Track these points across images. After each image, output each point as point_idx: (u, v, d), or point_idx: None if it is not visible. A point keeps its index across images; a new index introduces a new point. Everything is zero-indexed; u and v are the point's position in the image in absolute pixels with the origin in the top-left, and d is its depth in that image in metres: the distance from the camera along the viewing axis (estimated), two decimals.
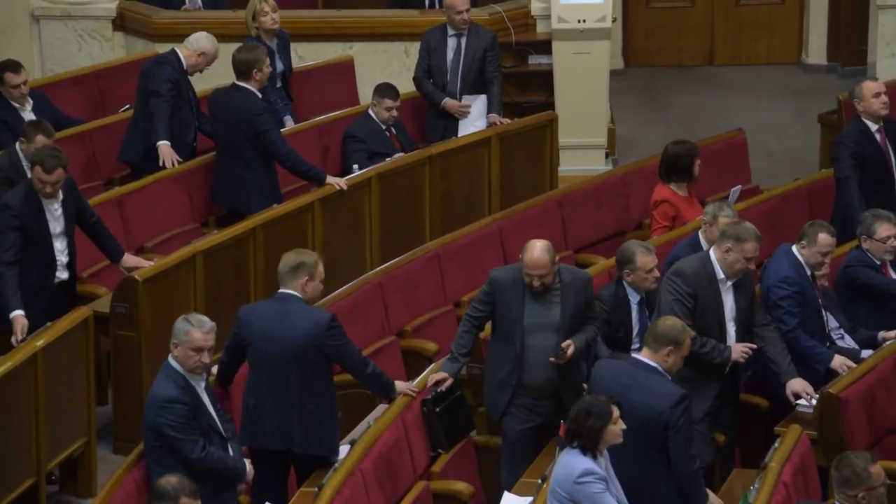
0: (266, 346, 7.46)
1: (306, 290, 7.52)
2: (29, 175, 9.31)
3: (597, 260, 9.76)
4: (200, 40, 10.23)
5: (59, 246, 8.59)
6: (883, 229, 8.60)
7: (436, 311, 9.27)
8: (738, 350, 7.88)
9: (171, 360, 7.15)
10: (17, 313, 8.22)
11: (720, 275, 7.86)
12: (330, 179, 9.81)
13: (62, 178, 8.50)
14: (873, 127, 9.81)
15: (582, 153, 11.76)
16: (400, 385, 7.78)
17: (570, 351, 7.74)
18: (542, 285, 7.76)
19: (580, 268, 9.63)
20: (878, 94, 9.77)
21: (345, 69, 11.73)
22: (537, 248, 7.73)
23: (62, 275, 8.64)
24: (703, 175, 9.60)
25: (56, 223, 8.56)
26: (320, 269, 7.59)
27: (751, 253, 7.85)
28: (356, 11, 12.82)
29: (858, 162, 9.69)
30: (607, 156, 11.99)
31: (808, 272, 8.28)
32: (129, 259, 8.87)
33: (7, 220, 8.36)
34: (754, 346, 7.93)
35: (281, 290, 7.55)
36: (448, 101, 10.93)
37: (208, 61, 10.24)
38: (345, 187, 9.80)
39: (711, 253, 7.92)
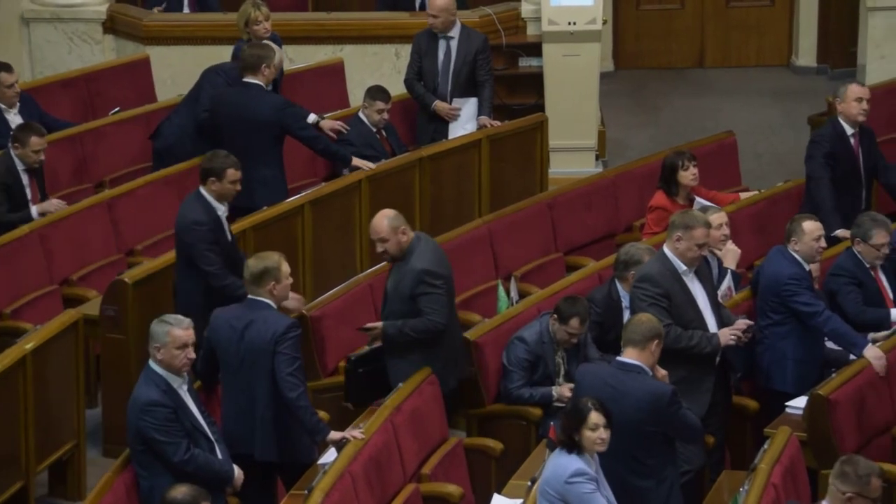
0: (230, 351, 7.45)
1: (275, 293, 7.50)
2: (24, 180, 9.35)
3: (587, 262, 9.76)
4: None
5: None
6: (880, 236, 8.61)
7: None
8: (726, 334, 7.89)
9: (151, 363, 7.14)
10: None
11: (681, 267, 7.88)
12: (356, 161, 9.99)
13: None
14: (849, 130, 9.84)
15: (572, 155, 11.76)
16: (334, 434, 7.36)
17: (372, 332, 8.04)
18: (386, 252, 8.08)
19: (571, 270, 9.70)
20: (860, 100, 9.77)
21: (335, 72, 11.73)
22: (379, 214, 8.14)
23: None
24: None
25: (228, 229, 8.61)
26: (284, 267, 7.54)
27: (701, 240, 7.87)
28: (346, 14, 12.82)
29: (831, 163, 9.72)
30: (597, 158, 12.00)
31: (807, 268, 8.33)
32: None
33: (205, 235, 8.31)
34: (741, 328, 7.92)
35: (250, 297, 7.54)
36: (438, 104, 10.93)
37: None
38: (373, 167, 9.93)
39: (665, 248, 7.94)
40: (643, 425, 7.04)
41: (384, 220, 8.05)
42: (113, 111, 10.96)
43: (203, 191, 8.42)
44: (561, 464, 6.70)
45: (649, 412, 7.04)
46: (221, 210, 8.44)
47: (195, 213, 8.36)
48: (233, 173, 8.43)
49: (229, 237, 8.53)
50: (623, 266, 8.36)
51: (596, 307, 8.38)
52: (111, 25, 12.35)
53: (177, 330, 7.09)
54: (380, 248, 8.08)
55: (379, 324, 8.06)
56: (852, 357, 8.23)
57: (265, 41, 10.24)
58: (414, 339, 7.99)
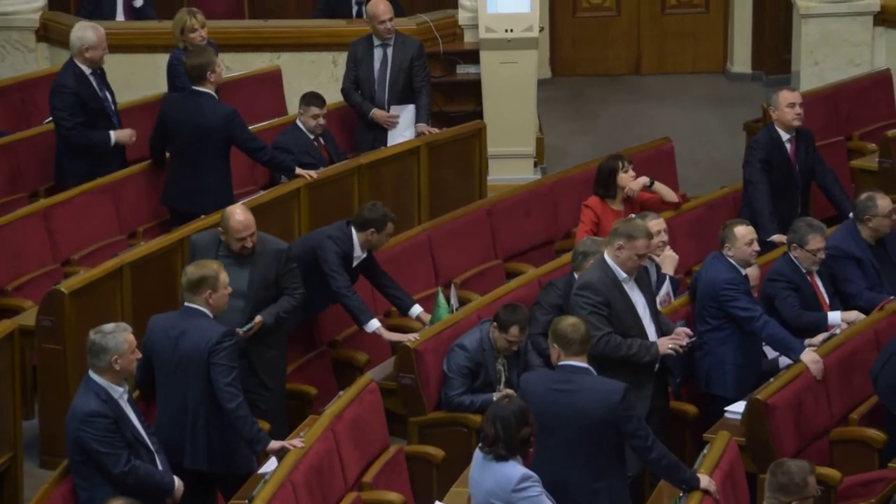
0: (164, 357, 7.48)
1: (211, 302, 7.53)
2: None
3: (526, 269, 9.79)
4: (79, 38, 10.11)
5: None
6: (815, 241, 8.69)
7: None
8: (665, 344, 7.92)
9: (92, 374, 7.08)
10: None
11: (621, 275, 7.90)
12: (299, 171, 10.02)
13: None
14: (785, 136, 9.95)
15: (511, 162, 11.80)
16: (274, 443, 7.38)
17: (257, 326, 8.09)
18: (251, 246, 8.24)
19: (511, 276, 9.72)
20: (792, 105, 9.89)
21: (272, 79, 11.69)
22: (241, 211, 8.24)
23: None
24: None
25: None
26: (223, 277, 7.58)
27: (641, 250, 7.90)
28: (283, 21, 12.78)
29: (767, 168, 9.82)
30: (536, 165, 12.03)
31: (743, 273, 8.39)
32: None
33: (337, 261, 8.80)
34: (680, 341, 7.95)
35: (186, 304, 7.56)
36: (376, 112, 10.92)
37: (101, 47, 10.14)
38: (315, 176, 9.96)
39: (606, 255, 7.97)
40: (596, 423, 7.00)
41: (251, 215, 8.24)
42: (47, 120, 10.84)
43: (354, 232, 8.79)
44: (504, 473, 6.66)
45: (603, 408, 6.99)
46: (358, 254, 8.83)
47: (340, 244, 8.77)
48: (391, 227, 8.87)
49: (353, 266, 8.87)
50: (582, 257, 8.42)
51: (558, 290, 8.47)
52: (44, 33, 12.25)
53: (129, 334, 7.09)
54: (249, 243, 8.22)
55: (259, 318, 8.12)
56: (782, 365, 8.31)
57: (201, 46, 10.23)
58: (285, 320, 8.24)
